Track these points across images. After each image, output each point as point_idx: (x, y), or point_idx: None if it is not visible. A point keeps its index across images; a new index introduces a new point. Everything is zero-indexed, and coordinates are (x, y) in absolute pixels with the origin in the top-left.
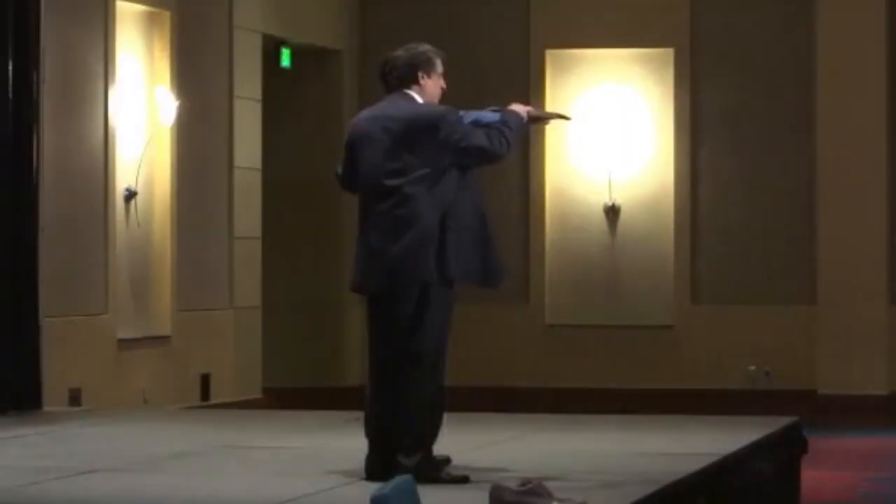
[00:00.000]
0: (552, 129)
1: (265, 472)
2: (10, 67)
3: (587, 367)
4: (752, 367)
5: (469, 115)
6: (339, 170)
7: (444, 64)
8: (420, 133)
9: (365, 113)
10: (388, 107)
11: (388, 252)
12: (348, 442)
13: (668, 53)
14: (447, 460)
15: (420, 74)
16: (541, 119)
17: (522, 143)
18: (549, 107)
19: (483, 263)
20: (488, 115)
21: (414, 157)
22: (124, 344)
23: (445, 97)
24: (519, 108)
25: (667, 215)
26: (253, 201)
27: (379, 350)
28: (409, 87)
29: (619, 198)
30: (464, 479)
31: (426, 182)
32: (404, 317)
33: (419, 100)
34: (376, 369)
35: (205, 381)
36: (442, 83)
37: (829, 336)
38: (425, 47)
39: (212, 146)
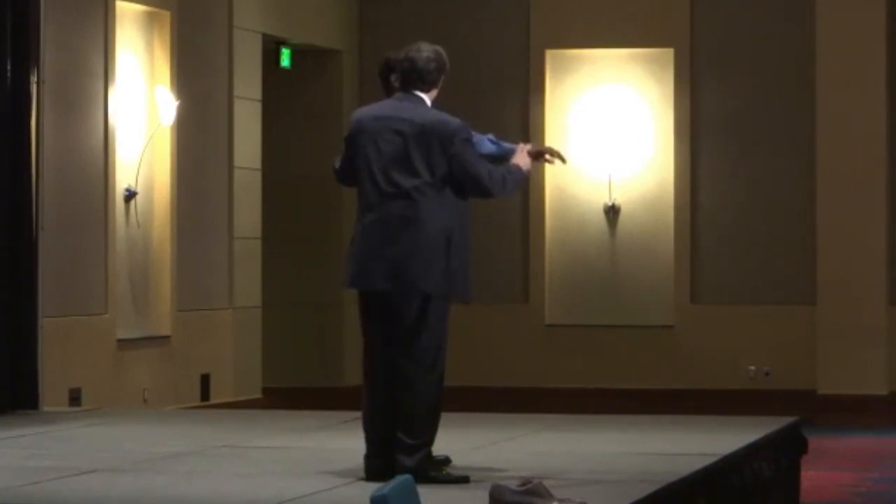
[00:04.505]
0: (552, 129)
1: (265, 472)
2: (10, 67)
3: (587, 367)
4: (752, 367)
5: (474, 138)
6: (337, 164)
7: None
8: (432, 139)
9: (369, 110)
10: (398, 107)
11: (391, 254)
12: (348, 442)
13: (668, 53)
14: (447, 460)
15: (440, 80)
16: (539, 155)
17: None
18: (549, 108)
19: (468, 282)
20: (487, 145)
21: (423, 162)
22: (124, 344)
23: (437, 95)
24: (522, 158)
25: (667, 215)
26: (253, 201)
27: (377, 350)
28: (426, 90)
29: (619, 198)
30: (464, 479)
31: (433, 189)
32: (405, 319)
33: (428, 103)
34: (373, 369)
35: (205, 381)
36: None
37: (829, 336)
38: (443, 51)
39: (212, 146)
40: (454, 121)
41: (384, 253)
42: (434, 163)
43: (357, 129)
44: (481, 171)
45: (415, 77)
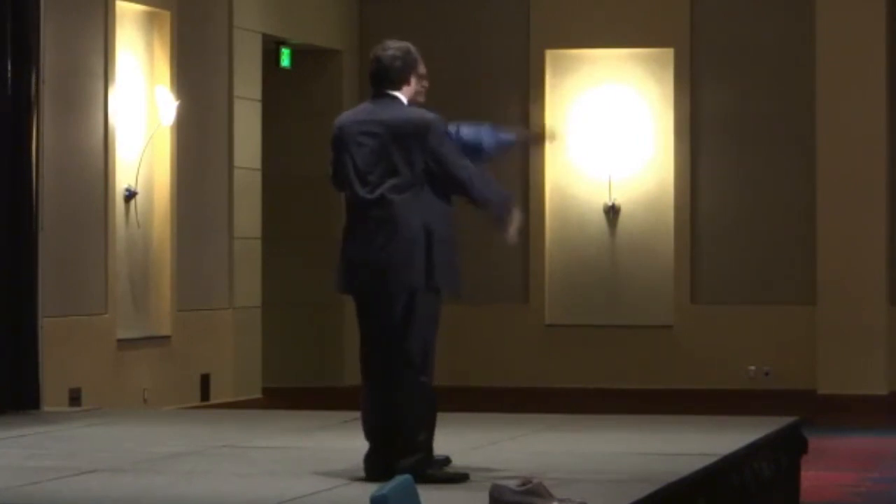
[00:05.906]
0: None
1: (265, 472)
2: (10, 67)
3: (587, 367)
4: (752, 367)
5: (465, 129)
6: (330, 171)
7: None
8: (407, 137)
9: (348, 115)
10: (373, 110)
11: (372, 256)
12: (348, 442)
13: (668, 53)
14: (447, 460)
15: (411, 76)
16: (528, 140)
17: (522, 144)
18: (549, 108)
19: (457, 274)
20: (486, 136)
21: (401, 160)
22: (124, 344)
23: (437, 95)
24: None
25: (666, 215)
26: (253, 201)
27: (368, 351)
28: (397, 88)
29: (619, 198)
30: (463, 478)
31: (412, 187)
32: (392, 319)
33: (405, 101)
34: (367, 370)
35: (205, 381)
36: (424, 81)
37: (829, 336)
38: (410, 46)
39: (212, 146)
40: (429, 115)
41: (365, 256)
42: (412, 159)
43: (338, 136)
44: (461, 174)
45: (383, 76)
